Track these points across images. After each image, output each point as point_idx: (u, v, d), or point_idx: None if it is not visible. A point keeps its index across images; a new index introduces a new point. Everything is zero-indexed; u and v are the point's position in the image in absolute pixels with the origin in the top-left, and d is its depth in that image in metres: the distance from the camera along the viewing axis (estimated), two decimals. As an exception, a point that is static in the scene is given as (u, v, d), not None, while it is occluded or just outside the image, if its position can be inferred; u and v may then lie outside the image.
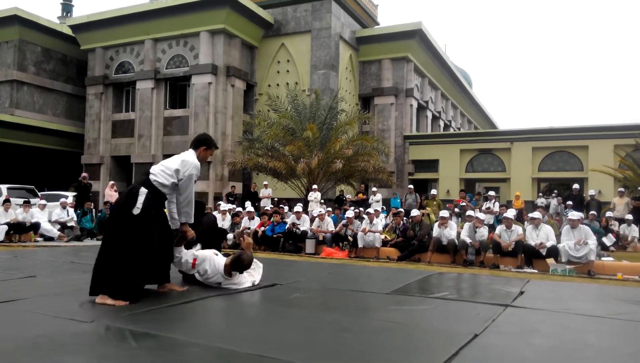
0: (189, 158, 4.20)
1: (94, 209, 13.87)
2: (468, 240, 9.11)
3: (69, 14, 51.76)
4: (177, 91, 24.34)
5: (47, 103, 26.39)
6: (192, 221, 4.24)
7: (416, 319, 3.63)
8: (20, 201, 13.20)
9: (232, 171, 21.46)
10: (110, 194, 16.01)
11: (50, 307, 3.67)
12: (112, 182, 17.41)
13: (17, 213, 11.82)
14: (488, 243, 9.13)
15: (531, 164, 22.83)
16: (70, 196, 15.61)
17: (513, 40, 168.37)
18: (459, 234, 9.53)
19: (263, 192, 17.38)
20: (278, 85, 23.94)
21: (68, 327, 3.06)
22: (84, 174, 17.74)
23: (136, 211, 3.93)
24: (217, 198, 20.87)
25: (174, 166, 4.11)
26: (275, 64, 24.40)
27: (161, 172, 4.10)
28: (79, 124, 26.53)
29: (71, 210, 13.09)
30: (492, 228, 10.75)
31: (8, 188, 16.40)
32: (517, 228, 9.21)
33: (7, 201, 12.26)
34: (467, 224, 9.52)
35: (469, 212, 10.30)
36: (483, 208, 13.06)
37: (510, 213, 9.61)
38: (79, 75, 27.07)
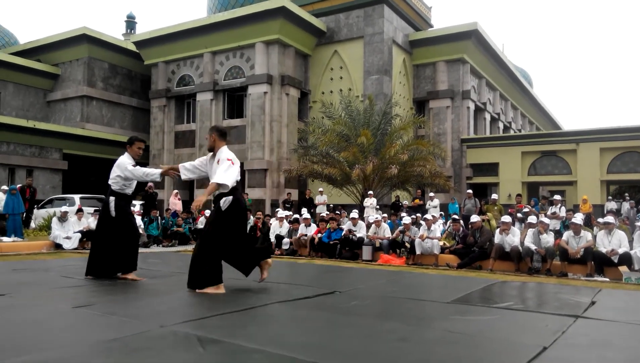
0: (118, 163, 5.73)
1: (159, 217, 14.47)
2: (533, 247, 8.75)
3: (132, 31, 54.50)
4: (234, 101, 25.05)
5: (115, 116, 27.94)
6: (157, 174, 5.56)
7: (480, 330, 3.53)
8: (91, 209, 13.98)
9: (287, 178, 21.76)
10: (175, 202, 16.65)
11: (122, 311, 3.87)
12: (176, 191, 18.08)
13: (89, 222, 12.54)
14: (555, 250, 8.73)
15: (599, 165, 21.63)
16: (137, 204, 16.30)
17: (575, 35, 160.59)
18: (521, 241, 9.18)
19: (318, 198, 17.51)
20: (332, 92, 24.10)
21: (139, 331, 3.21)
22: (150, 184, 18.55)
23: (113, 213, 5.61)
24: (274, 204, 21.24)
25: (115, 174, 5.69)
26: (328, 71, 24.59)
27: (114, 183, 5.70)
28: (144, 135, 27.82)
29: (138, 218, 13.69)
30: (558, 233, 10.28)
31: (80, 198, 17.37)
32: (586, 234, 8.75)
33: (80, 210, 13.03)
34: (531, 230, 9.14)
35: (531, 218, 9.89)
36: (548, 212, 12.51)
37: (578, 218, 9.15)
38: (143, 89, 28.50)
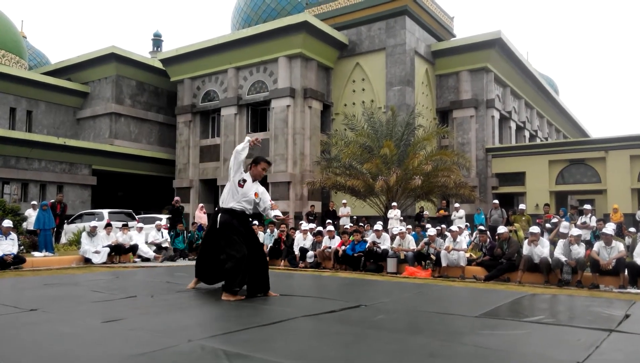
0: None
1: (185, 231, 14.64)
2: (563, 258, 8.54)
3: (159, 49, 55.88)
4: (258, 115, 25.34)
5: (142, 132, 28.56)
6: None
7: (511, 345, 3.46)
8: (120, 224, 14.22)
9: (311, 191, 21.81)
10: (200, 216, 16.83)
11: (150, 326, 3.92)
12: (201, 204, 18.32)
13: (118, 236, 12.76)
14: (585, 261, 8.50)
15: (629, 173, 21.06)
16: (164, 218, 16.51)
17: (602, 41, 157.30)
18: (551, 252, 8.97)
19: (342, 211, 17.47)
20: (354, 104, 24.16)
21: (167, 346, 3.24)
22: (176, 198, 18.87)
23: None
24: (298, 217, 21.27)
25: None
26: (350, 83, 24.68)
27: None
28: (170, 151, 28.38)
29: (165, 232, 13.91)
30: (588, 244, 10.01)
31: (109, 212, 17.70)
32: (618, 244, 8.49)
33: (108, 224, 13.28)
34: (561, 241, 8.93)
35: (562, 228, 9.66)
36: (578, 222, 12.21)
37: (609, 228, 8.90)
38: (169, 105, 29.12)
